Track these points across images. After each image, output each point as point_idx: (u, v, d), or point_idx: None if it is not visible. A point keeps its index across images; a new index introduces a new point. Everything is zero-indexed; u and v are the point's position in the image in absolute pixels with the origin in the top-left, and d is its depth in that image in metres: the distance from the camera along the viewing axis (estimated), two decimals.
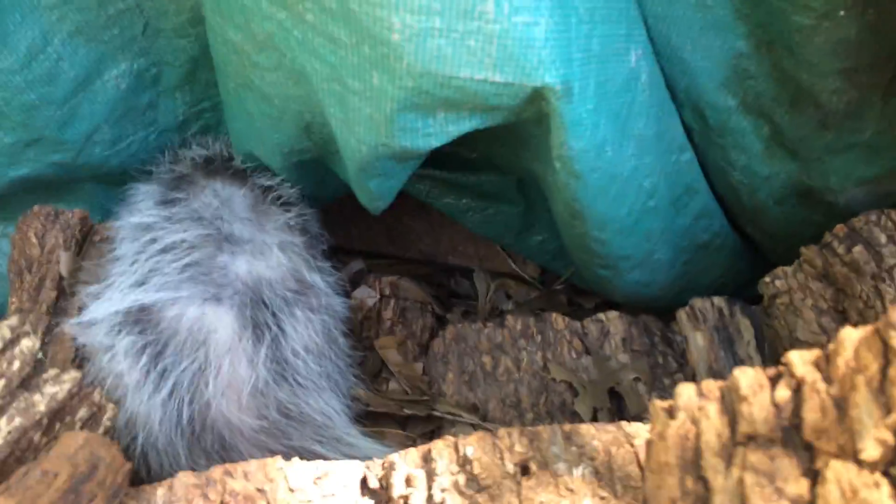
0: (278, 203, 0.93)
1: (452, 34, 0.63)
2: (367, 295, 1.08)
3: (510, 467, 0.58)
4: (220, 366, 0.77)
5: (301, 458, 0.65)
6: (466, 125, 0.73)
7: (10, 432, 0.60)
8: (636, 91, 0.78)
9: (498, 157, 0.99)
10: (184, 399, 0.76)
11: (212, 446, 0.77)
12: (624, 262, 0.95)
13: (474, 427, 0.92)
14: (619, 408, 0.96)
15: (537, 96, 0.68)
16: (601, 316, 1.02)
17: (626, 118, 0.78)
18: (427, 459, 0.62)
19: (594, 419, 0.93)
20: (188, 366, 0.76)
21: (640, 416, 0.93)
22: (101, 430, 0.70)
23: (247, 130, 0.91)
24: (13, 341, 0.63)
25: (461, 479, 0.58)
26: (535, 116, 0.74)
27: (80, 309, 0.85)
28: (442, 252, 1.31)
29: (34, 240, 0.93)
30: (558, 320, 1.01)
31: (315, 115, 0.80)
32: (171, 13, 0.90)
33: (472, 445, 0.60)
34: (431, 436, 0.96)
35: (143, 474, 0.77)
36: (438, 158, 0.87)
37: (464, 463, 0.59)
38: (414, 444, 0.95)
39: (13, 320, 0.64)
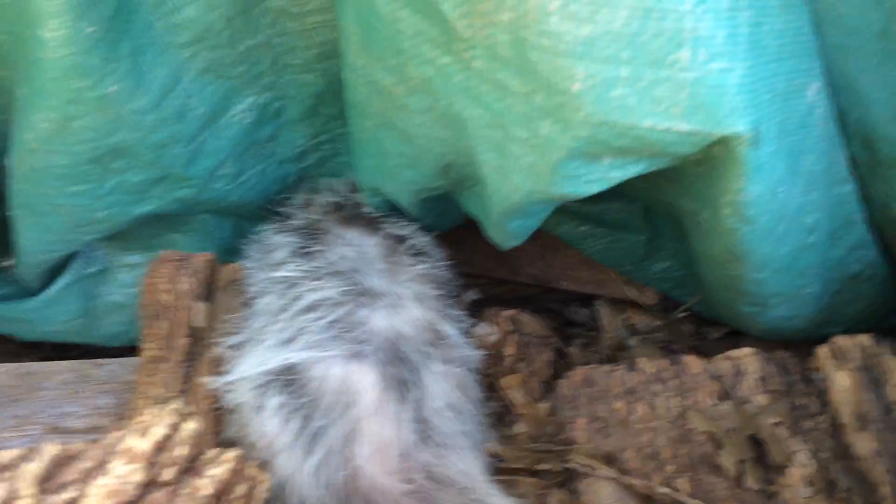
0: (412, 253, 0.90)
1: (638, 83, 0.58)
2: (487, 332, 1.03)
3: None
4: (368, 429, 0.75)
5: None
6: (631, 171, 0.68)
7: None
8: (811, 126, 0.72)
9: (631, 187, 0.94)
10: (335, 464, 0.73)
11: None
12: (774, 299, 0.89)
13: (613, 481, 0.87)
14: (760, 454, 0.91)
15: (719, 143, 0.63)
16: (733, 353, 0.95)
17: (799, 155, 0.73)
18: None
19: (740, 472, 0.87)
20: (339, 430, 0.74)
21: (783, 466, 0.87)
22: None
23: (377, 167, 0.88)
24: (177, 425, 0.61)
25: None
26: (701, 158, 0.69)
27: (218, 360, 0.84)
28: (554, 276, 1.26)
29: (164, 286, 0.92)
30: (694, 363, 0.94)
31: (458, 157, 0.76)
32: (299, 49, 0.86)
33: None
34: (564, 484, 0.91)
35: None
36: None
37: None
38: (548, 494, 0.91)
39: (178, 403, 0.62)
